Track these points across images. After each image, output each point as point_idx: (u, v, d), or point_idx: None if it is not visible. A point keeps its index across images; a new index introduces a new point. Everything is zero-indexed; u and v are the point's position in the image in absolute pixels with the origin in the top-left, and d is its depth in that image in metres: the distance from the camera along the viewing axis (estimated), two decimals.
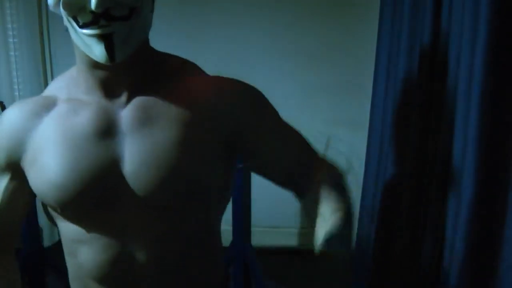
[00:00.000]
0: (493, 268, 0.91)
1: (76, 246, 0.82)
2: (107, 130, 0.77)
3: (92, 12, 0.68)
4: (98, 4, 0.66)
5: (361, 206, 1.83)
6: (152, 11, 0.77)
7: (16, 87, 2.64)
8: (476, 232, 0.92)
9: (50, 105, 0.81)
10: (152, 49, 0.83)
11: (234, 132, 0.80)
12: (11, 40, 2.58)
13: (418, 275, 1.21)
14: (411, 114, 1.33)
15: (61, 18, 0.74)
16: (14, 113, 0.82)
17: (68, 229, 0.82)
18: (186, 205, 0.79)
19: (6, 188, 0.84)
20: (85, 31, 0.70)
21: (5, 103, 2.07)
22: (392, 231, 1.46)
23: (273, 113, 0.86)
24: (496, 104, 0.87)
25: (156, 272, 0.80)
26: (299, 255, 2.76)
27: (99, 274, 0.81)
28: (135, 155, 0.76)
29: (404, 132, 1.40)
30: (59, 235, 0.88)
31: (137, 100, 0.78)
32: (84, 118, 0.77)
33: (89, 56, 0.73)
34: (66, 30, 0.75)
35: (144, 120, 0.76)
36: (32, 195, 0.84)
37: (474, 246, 0.92)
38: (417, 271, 1.22)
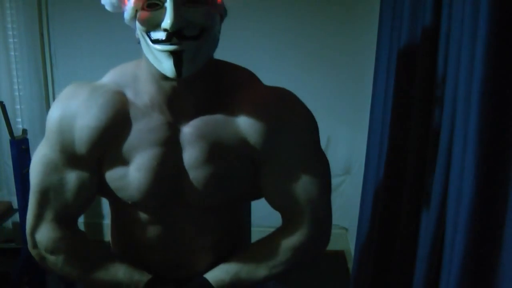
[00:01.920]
0: (493, 268, 0.91)
1: (134, 226, 0.94)
2: (171, 142, 0.86)
3: (165, 30, 0.72)
4: (172, 24, 0.71)
5: (361, 205, 1.83)
6: (219, 31, 0.82)
7: (16, 87, 2.64)
8: (476, 232, 0.92)
9: (125, 103, 0.86)
10: (215, 62, 0.88)
11: (257, 153, 0.88)
12: (11, 40, 2.58)
13: (418, 275, 1.21)
14: (411, 114, 1.33)
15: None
16: (98, 108, 0.84)
17: (131, 214, 0.93)
18: (227, 206, 0.94)
19: (82, 178, 0.88)
20: (157, 46, 0.75)
21: (5, 103, 2.07)
22: (392, 231, 1.46)
23: (306, 146, 0.90)
24: (496, 104, 0.87)
25: (193, 250, 0.95)
26: None
27: (151, 249, 0.95)
28: (191, 167, 0.86)
29: (404, 132, 1.40)
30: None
31: (196, 119, 0.86)
32: (154, 129, 0.85)
33: (157, 69, 0.78)
34: (138, 42, 0.80)
35: (200, 137, 0.85)
36: (99, 187, 0.91)
37: (474, 246, 0.92)
38: (417, 271, 1.22)
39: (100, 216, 2.83)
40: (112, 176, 0.87)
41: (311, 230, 0.92)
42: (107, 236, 3.26)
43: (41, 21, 2.63)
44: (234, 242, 1.01)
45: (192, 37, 0.74)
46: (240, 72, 0.92)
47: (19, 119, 2.65)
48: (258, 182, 0.92)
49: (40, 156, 0.90)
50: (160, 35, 0.74)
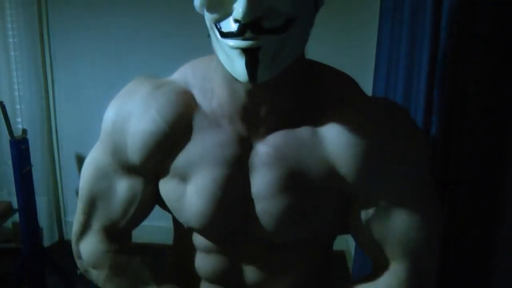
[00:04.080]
0: (492, 268, 0.91)
1: (193, 252, 0.81)
2: (240, 161, 0.69)
3: (237, 21, 0.56)
4: (245, 14, 0.53)
5: None
6: (312, 24, 0.64)
7: (16, 87, 2.64)
8: (476, 232, 0.92)
9: (191, 107, 0.71)
10: (306, 63, 0.70)
11: (347, 184, 0.68)
12: (11, 40, 2.58)
13: None
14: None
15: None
16: (157, 109, 0.70)
17: (191, 238, 0.80)
18: (301, 245, 0.76)
19: (133, 189, 0.76)
20: (227, 41, 0.58)
21: (5, 103, 2.07)
22: None
23: (411, 180, 0.68)
24: (496, 105, 0.87)
25: None
26: None
27: (205, 278, 0.81)
28: (262, 196, 0.69)
29: None
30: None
31: (275, 136, 0.68)
32: (221, 144, 0.69)
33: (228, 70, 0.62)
34: (208, 36, 0.64)
35: (279, 160, 0.68)
36: (157, 201, 0.79)
37: (473, 247, 0.92)
38: None
39: None
40: (169, 194, 0.74)
41: (407, 285, 0.71)
42: None
43: (41, 21, 2.63)
44: (320, 284, 0.83)
45: (274, 30, 0.56)
46: (338, 79, 0.73)
47: (19, 119, 2.65)
48: (343, 219, 0.73)
49: (92, 159, 0.79)
50: (232, 27, 0.57)
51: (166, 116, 0.70)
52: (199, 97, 0.71)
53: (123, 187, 0.76)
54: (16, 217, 2.35)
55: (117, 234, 0.81)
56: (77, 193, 0.84)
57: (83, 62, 2.65)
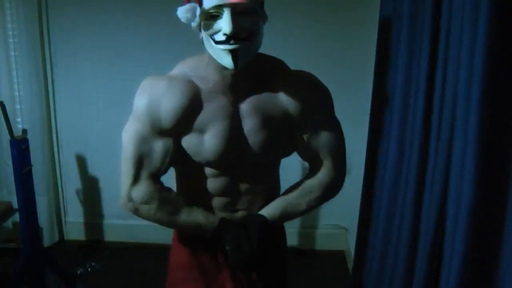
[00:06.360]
0: (493, 268, 0.91)
1: (202, 180, 1.22)
2: (234, 116, 1.13)
3: (225, 34, 0.98)
4: (231, 30, 0.97)
5: (361, 205, 1.83)
6: (263, 33, 1.08)
7: (16, 87, 2.64)
8: (476, 232, 0.92)
9: (196, 88, 1.12)
10: (259, 55, 1.12)
11: (295, 119, 1.16)
12: (11, 40, 2.58)
13: (418, 274, 1.21)
14: (411, 114, 1.34)
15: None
16: (180, 92, 1.11)
17: (199, 171, 1.20)
18: (270, 162, 1.26)
19: (166, 145, 1.15)
20: (220, 46, 1.01)
21: (5, 103, 2.07)
22: (392, 231, 1.46)
23: (326, 112, 1.20)
24: (496, 104, 0.87)
25: (248, 195, 1.25)
26: (299, 255, 2.77)
27: (214, 193, 1.23)
28: (251, 133, 1.14)
29: (404, 132, 1.40)
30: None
31: (250, 98, 1.14)
32: (221, 107, 1.12)
33: (219, 63, 1.04)
34: (202, 43, 1.07)
35: (255, 111, 1.13)
36: (176, 152, 1.16)
37: (474, 246, 0.93)
38: (417, 271, 1.23)
39: (100, 215, 2.83)
40: (191, 144, 1.15)
41: (334, 173, 1.23)
42: (107, 236, 3.24)
43: (41, 21, 2.63)
44: (276, 190, 1.34)
45: (244, 39, 1.00)
46: (274, 60, 1.21)
47: (19, 119, 2.65)
48: (292, 142, 1.21)
49: (133, 131, 1.15)
50: (221, 37, 1.00)
51: (187, 96, 1.11)
52: (198, 83, 1.13)
53: (161, 145, 1.15)
54: (16, 217, 2.36)
55: (157, 178, 1.19)
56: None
57: (83, 62, 2.65)
